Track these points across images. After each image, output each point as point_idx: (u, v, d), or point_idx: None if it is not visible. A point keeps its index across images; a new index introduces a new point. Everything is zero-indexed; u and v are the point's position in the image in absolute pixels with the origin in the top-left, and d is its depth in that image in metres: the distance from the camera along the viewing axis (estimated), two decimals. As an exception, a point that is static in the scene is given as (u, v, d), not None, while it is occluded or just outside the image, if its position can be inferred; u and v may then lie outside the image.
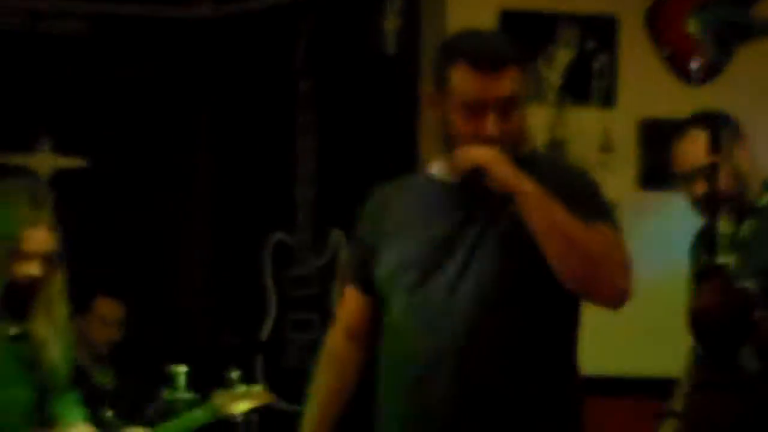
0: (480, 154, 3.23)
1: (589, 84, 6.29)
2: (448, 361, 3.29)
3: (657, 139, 6.05)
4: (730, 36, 6.21)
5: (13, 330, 4.35)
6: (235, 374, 5.61)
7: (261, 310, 7.38)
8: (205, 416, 5.17)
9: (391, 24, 6.83)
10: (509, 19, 6.16)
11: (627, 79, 6.32)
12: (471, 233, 3.34)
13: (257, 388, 5.51)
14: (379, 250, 3.47)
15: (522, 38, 5.59)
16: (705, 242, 4.38)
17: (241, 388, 5.33)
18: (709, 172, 4.17)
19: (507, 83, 3.30)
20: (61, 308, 4.40)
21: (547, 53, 6.28)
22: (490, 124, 3.25)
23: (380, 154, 6.97)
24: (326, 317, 6.86)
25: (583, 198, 3.38)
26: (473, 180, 3.24)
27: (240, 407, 5.25)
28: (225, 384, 5.63)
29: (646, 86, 6.31)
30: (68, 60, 7.58)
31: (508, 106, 3.29)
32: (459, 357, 3.27)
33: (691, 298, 3.98)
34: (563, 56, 6.30)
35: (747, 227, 4.35)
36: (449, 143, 3.35)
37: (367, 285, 3.53)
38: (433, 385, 3.30)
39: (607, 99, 6.30)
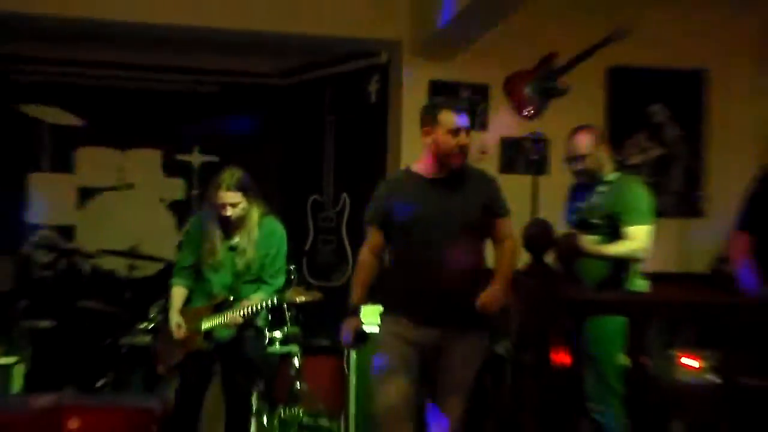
0: (496, 303, 3.79)
1: (474, 118, 6.46)
2: (439, 257, 3.89)
3: (509, 148, 6.69)
4: (545, 95, 5.94)
5: (230, 243, 4.94)
6: (293, 267, 5.93)
7: (305, 233, 7.69)
8: (278, 299, 5.09)
9: (373, 87, 7.23)
10: (435, 86, 6.63)
11: (494, 115, 6.68)
12: (446, 204, 3.96)
13: (312, 290, 5.33)
14: (393, 211, 4.03)
15: (439, 95, 6.45)
16: (573, 194, 4.90)
17: (302, 289, 5.27)
18: (587, 155, 4.74)
19: (470, 119, 3.97)
20: (254, 232, 4.87)
21: None
22: (464, 140, 3.91)
23: (367, 154, 7.29)
24: (339, 238, 7.46)
25: (501, 199, 4.07)
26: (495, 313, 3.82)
27: (302, 298, 5.15)
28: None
29: (504, 119, 6.24)
30: (206, 105, 8.03)
31: (469, 131, 3.95)
32: (444, 258, 3.90)
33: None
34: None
35: (599, 190, 4.76)
36: (439, 154, 3.93)
37: (383, 227, 4.10)
38: (432, 266, 3.92)
39: (483, 126, 6.71)
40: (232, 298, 4.96)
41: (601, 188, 4.78)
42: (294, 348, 6.11)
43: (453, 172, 4.00)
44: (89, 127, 7.69)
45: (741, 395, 2.63)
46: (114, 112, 7.86)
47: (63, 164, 7.84)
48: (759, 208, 3.53)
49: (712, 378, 4.13)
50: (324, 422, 6.23)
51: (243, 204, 4.85)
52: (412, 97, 6.19)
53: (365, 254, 4.19)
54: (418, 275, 3.97)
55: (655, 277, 5.24)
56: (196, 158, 8.04)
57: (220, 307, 4.94)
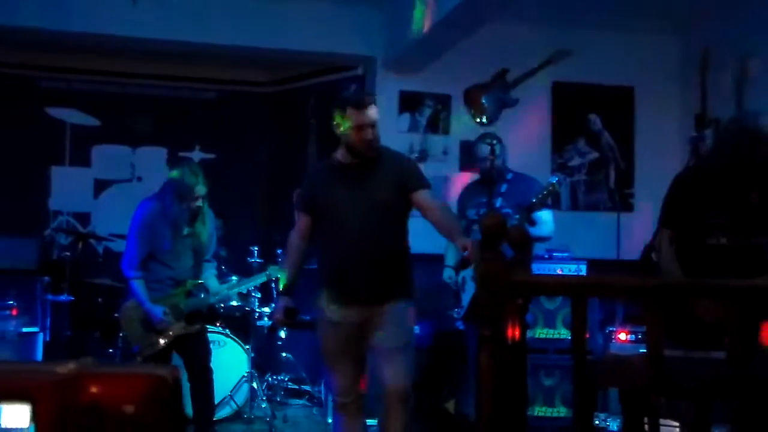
0: (473, 256, 3.15)
1: (438, 124, 6.74)
2: (356, 240, 3.59)
3: (467, 150, 6.12)
4: (499, 105, 6.58)
5: (186, 231, 4.74)
6: (280, 252, 6.14)
7: (291, 222, 7.32)
8: (263, 278, 5.20)
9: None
10: (404, 96, 6.63)
11: (455, 122, 6.73)
12: (361, 188, 3.63)
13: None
14: (317, 197, 3.72)
15: (410, 105, 6.57)
16: (479, 189, 4.91)
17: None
18: (492, 158, 4.83)
19: (373, 113, 3.58)
20: (204, 221, 4.75)
21: (421, 110, 6.67)
22: (369, 135, 3.56)
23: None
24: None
25: (416, 174, 3.71)
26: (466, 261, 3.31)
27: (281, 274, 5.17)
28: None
29: (464, 125, 6.63)
30: (206, 110, 8.03)
31: (374, 125, 3.57)
32: (362, 238, 3.59)
33: (482, 218, 4.25)
34: (427, 112, 6.69)
35: (503, 188, 4.82)
36: (348, 145, 3.64)
37: (309, 212, 3.77)
38: (350, 249, 3.62)
39: (446, 131, 6.73)
40: (200, 281, 4.81)
41: (504, 186, 4.83)
42: (280, 322, 6.03)
43: (368, 159, 3.65)
44: (104, 127, 7.66)
45: (664, 364, 2.43)
46: (126, 114, 7.87)
47: (81, 159, 7.80)
48: (677, 207, 3.44)
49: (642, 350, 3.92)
50: (306, 388, 6.25)
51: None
52: (384, 105, 6.03)
53: (293, 238, 3.85)
54: (338, 258, 3.65)
55: (593, 264, 5.32)
56: (196, 155, 7.97)
57: (193, 292, 4.80)
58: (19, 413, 1.79)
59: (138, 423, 1.78)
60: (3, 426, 1.75)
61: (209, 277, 4.88)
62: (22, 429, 1.76)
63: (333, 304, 3.67)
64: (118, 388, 1.84)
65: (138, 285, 4.64)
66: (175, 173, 4.67)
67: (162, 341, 4.67)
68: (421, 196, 3.62)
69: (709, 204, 3.31)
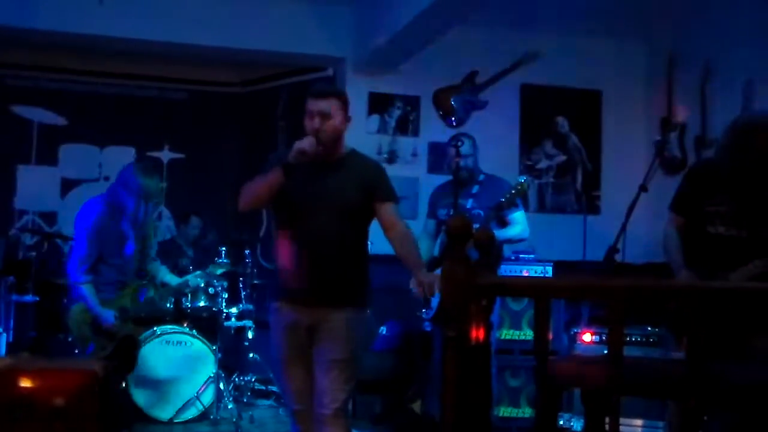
0: (434, 287, 3.35)
1: (407, 126, 6.78)
2: (316, 237, 3.46)
3: (436, 151, 6.57)
4: (468, 107, 6.72)
5: None
6: (247, 252, 6.28)
7: (260, 222, 7.49)
8: (203, 276, 5.27)
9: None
10: (373, 97, 6.65)
11: (424, 123, 6.78)
12: (327, 184, 3.50)
13: (226, 264, 5.48)
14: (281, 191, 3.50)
15: (379, 106, 6.59)
16: (451, 189, 4.88)
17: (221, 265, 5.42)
18: (457, 159, 4.83)
19: (324, 105, 3.43)
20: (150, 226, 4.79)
21: (390, 112, 6.71)
22: (315, 124, 3.42)
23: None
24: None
25: (386, 185, 3.60)
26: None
27: (220, 270, 5.41)
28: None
29: (433, 127, 6.73)
30: (175, 110, 7.98)
31: (323, 116, 3.43)
32: (322, 236, 3.47)
33: (449, 220, 4.06)
34: (396, 113, 6.73)
35: (474, 189, 4.88)
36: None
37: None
38: (306, 247, 3.47)
39: (415, 132, 6.79)
40: (145, 282, 4.78)
41: (476, 187, 4.86)
42: (248, 323, 6.03)
43: (338, 157, 3.53)
44: (71, 126, 7.59)
45: (627, 366, 2.42)
46: (94, 113, 7.78)
47: (48, 158, 7.70)
48: (683, 193, 3.63)
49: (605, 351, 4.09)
50: (273, 389, 6.21)
51: None
52: (353, 106, 5.96)
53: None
54: (295, 254, 3.48)
55: (559, 265, 5.37)
56: (165, 155, 7.93)
57: (139, 292, 4.75)
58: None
59: (67, 415, 1.82)
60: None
61: (165, 274, 4.90)
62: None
63: (286, 304, 3.53)
64: (50, 382, 1.87)
65: (88, 290, 4.51)
66: (138, 176, 4.66)
67: (111, 344, 4.59)
68: (387, 209, 3.55)
69: (710, 193, 3.49)
